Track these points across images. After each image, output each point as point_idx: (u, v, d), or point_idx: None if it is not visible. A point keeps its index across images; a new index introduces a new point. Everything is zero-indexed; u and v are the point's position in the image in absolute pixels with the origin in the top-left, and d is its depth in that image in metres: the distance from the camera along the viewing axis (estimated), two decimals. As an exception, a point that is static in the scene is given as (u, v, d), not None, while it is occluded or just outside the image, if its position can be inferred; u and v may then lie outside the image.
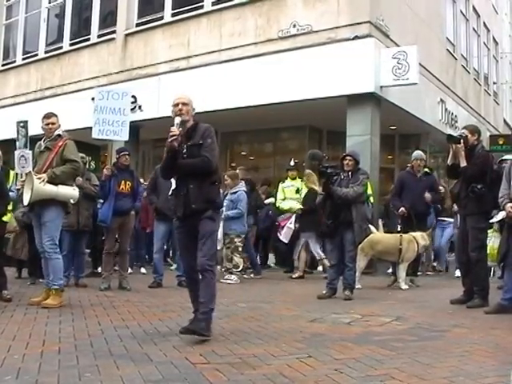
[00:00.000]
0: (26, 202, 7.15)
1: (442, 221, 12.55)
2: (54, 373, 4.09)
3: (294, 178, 12.90)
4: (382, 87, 13.18)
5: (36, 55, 20.41)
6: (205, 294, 5.36)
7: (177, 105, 5.50)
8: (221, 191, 10.70)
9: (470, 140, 7.89)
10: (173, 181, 5.68)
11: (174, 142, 5.33)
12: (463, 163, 7.69)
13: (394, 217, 10.91)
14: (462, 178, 7.80)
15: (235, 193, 10.77)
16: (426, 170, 10.35)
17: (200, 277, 5.41)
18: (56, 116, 7.52)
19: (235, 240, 10.72)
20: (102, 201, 9.68)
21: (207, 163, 5.41)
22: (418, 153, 10.69)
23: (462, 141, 7.75)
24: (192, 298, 5.68)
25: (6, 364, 4.32)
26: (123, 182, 9.32)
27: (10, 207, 8.48)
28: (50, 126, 7.40)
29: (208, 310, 5.34)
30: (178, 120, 5.41)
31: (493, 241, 8.99)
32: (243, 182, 11.55)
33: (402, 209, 9.97)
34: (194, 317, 5.51)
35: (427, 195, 10.06)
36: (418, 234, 9.74)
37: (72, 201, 7.46)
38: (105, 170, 9.61)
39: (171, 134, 5.30)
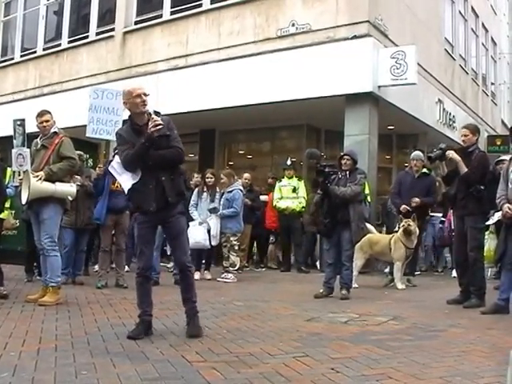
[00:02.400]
0: (24, 201, 7.15)
1: (431, 216, 12.59)
2: (50, 370, 4.09)
3: (290, 177, 12.93)
4: (380, 87, 13.18)
5: (34, 52, 20.39)
6: (189, 290, 5.49)
7: (139, 95, 5.33)
8: (217, 189, 10.88)
9: (470, 140, 7.90)
10: (126, 175, 5.48)
11: (156, 131, 5.21)
12: (463, 169, 7.67)
13: (394, 217, 10.93)
14: (460, 181, 7.78)
15: (231, 191, 10.76)
16: (425, 170, 10.34)
17: (180, 275, 5.62)
18: (50, 113, 7.49)
19: (231, 239, 10.72)
20: None
21: (181, 154, 5.44)
22: (416, 153, 10.69)
23: (447, 153, 7.76)
24: (143, 299, 5.50)
25: (2, 361, 4.32)
26: None
27: (7, 204, 8.49)
28: (45, 123, 7.38)
29: (195, 305, 5.50)
30: (150, 109, 5.34)
31: (489, 243, 9.01)
32: (239, 180, 11.56)
33: (404, 206, 9.95)
34: (140, 320, 5.42)
35: (414, 200, 9.97)
36: (399, 231, 9.77)
37: (70, 197, 7.45)
38: (97, 168, 9.62)
39: (157, 123, 5.18)
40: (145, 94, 5.35)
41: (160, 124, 5.20)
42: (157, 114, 5.38)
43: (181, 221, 5.49)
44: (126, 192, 5.52)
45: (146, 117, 5.34)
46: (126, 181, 5.46)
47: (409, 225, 9.59)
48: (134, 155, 5.30)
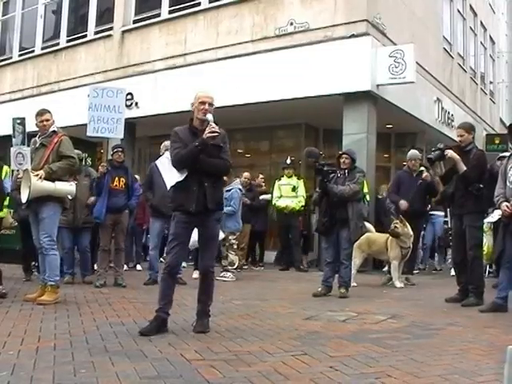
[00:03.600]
0: (24, 200, 7.14)
1: (432, 215, 12.59)
2: (49, 369, 4.09)
3: (290, 176, 12.94)
4: (378, 86, 13.19)
5: (33, 51, 20.36)
6: (206, 292, 5.69)
7: (204, 103, 5.59)
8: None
9: (466, 139, 7.91)
10: (173, 173, 5.59)
11: (211, 138, 5.40)
12: (462, 168, 7.67)
13: (394, 215, 10.93)
14: (459, 179, 7.78)
15: (229, 190, 10.75)
16: (422, 169, 10.35)
17: (199, 277, 5.81)
18: (49, 112, 7.49)
19: (229, 237, 10.72)
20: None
21: (227, 167, 5.73)
22: (412, 152, 10.68)
23: (445, 152, 7.76)
24: (163, 295, 5.54)
25: (1, 360, 4.32)
26: (117, 178, 9.34)
27: (6, 202, 8.49)
28: (44, 122, 7.37)
29: (208, 307, 5.71)
30: (211, 117, 5.52)
31: (487, 240, 9.02)
32: (238, 179, 11.56)
33: (403, 201, 9.96)
34: (155, 317, 5.48)
35: (402, 202, 10.00)
36: None
37: (70, 196, 7.46)
38: (100, 166, 9.61)
39: (213, 129, 5.38)
40: (210, 104, 5.62)
41: (216, 132, 5.40)
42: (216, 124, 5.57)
43: (217, 227, 5.80)
44: (168, 188, 5.75)
45: (204, 124, 5.53)
46: (171, 178, 5.66)
47: (395, 227, 9.62)
48: (185, 155, 5.48)
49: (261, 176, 14.14)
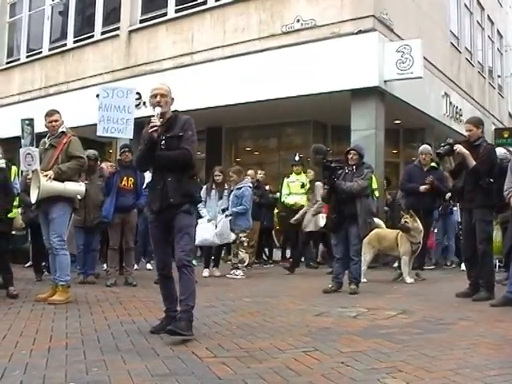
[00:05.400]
0: (33, 200, 7.17)
1: (452, 207, 12.51)
2: (61, 368, 4.11)
3: (298, 173, 12.93)
4: (386, 81, 13.17)
5: (40, 53, 20.44)
6: (184, 291, 5.17)
7: (155, 96, 5.35)
8: (225, 186, 10.88)
9: (475, 134, 7.88)
10: (147, 174, 5.54)
11: (153, 132, 5.19)
12: (471, 163, 7.64)
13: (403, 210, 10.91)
14: (468, 174, 7.75)
15: (240, 188, 10.76)
16: (433, 164, 10.33)
17: (178, 273, 5.24)
18: (58, 113, 7.51)
19: (240, 235, 10.73)
20: None
21: (187, 155, 5.27)
22: (424, 147, 10.69)
23: (455, 147, 7.73)
24: (164, 296, 5.50)
25: (13, 359, 4.34)
26: (125, 178, 9.37)
27: (15, 203, 8.53)
28: (54, 123, 7.39)
29: (188, 308, 5.12)
30: (158, 110, 5.28)
31: (494, 235, 8.98)
32: (248, 177, 11.56)
33: (425, 186, 9.99)
34: (165, 316, 5.43)
35: (422, 187, 10.00)
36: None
37: (79, 196, 7.49)
38: (103, 164, 9.63)
39: (152, 124, 5.18)
40: (162, 95, 5.36)
41: (154, 125, 5.17)
42: (175, 113, 5.45)
43: (185, 218, 5.29)
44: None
45: (169, 115, 5.39)
46: (147, 179, 5.64)
47: (405, 221, 9.62)
48: (138, 156, 5.49)
49: (259, 172, 13.80)
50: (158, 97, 5.34)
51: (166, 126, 5.35)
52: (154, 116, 5.26)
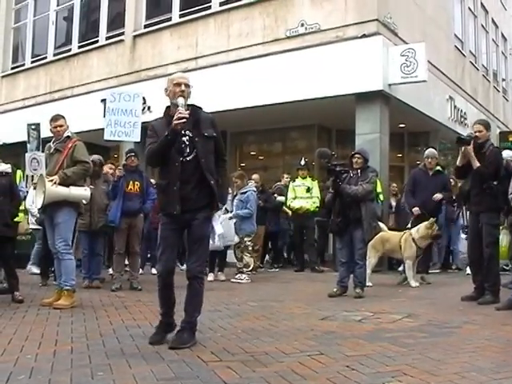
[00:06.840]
0: (39, 205, 7.19)
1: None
2: (66, 372, 4.11)
3: (304, 177, 12.93)
4: (390, 85, 13.17)
5: (45, 58, 20.48)
6: (192, 302, 5.03)
7: (179, 84, 4.96)
8: (229, 191, 10.88)
9: (483, 136, 7.86)
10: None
11: (180, 124, 4.73)
12: (475, 164, 7.63)
13: (406, 215, 10.90)
14: (474, 176, 7.74)
15: (245, 193, 10.77)
16: (439, 168, 10.33)
17: (187, 283, 5.08)
18: (63, 118, 7.54)
19: (245, 239, 10.74)
20: None
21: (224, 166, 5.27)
22: (430, 151, 10.69)
23: (469, 144, 7.71)
24: (161, 302, 5.23)
25: (19, 364, 4.35)
26: (131, 182, 9.39)
27: (21, 207, 8.55)
28: (58, 128, 7.42)
29: (193, 320, 5.03)
30: (182, 101, 4.85)
31: (501, 238, 8.95)
32: (252, 181, 11.56)
33: (417, 209, 10.00)
34: (160, 322, 5.23)
35: (436, 195, 10.06)
36: (413, 229, 9.76)
37: (84, 201, 7.50)
38: (105, 167, 9.66)
39: (181, 115, 4.70)
40: (186, 85, 4.98)
41: (183, 117, 4.71)
42: (196, 107, 5.09)
43: (204, 226, 5.04)
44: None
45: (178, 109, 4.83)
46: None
47: (437, 229, 9.70)
48: (156, 150, 4.93)
49: (254, 176, 13.43)
50: (183, 86, 4.97)
51: (193, 121, 4.94)
52: (178, 106, 4.84)
